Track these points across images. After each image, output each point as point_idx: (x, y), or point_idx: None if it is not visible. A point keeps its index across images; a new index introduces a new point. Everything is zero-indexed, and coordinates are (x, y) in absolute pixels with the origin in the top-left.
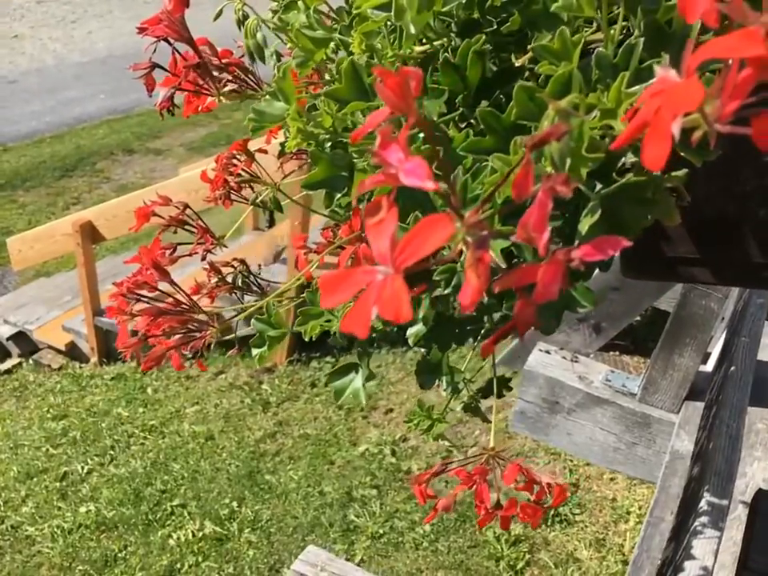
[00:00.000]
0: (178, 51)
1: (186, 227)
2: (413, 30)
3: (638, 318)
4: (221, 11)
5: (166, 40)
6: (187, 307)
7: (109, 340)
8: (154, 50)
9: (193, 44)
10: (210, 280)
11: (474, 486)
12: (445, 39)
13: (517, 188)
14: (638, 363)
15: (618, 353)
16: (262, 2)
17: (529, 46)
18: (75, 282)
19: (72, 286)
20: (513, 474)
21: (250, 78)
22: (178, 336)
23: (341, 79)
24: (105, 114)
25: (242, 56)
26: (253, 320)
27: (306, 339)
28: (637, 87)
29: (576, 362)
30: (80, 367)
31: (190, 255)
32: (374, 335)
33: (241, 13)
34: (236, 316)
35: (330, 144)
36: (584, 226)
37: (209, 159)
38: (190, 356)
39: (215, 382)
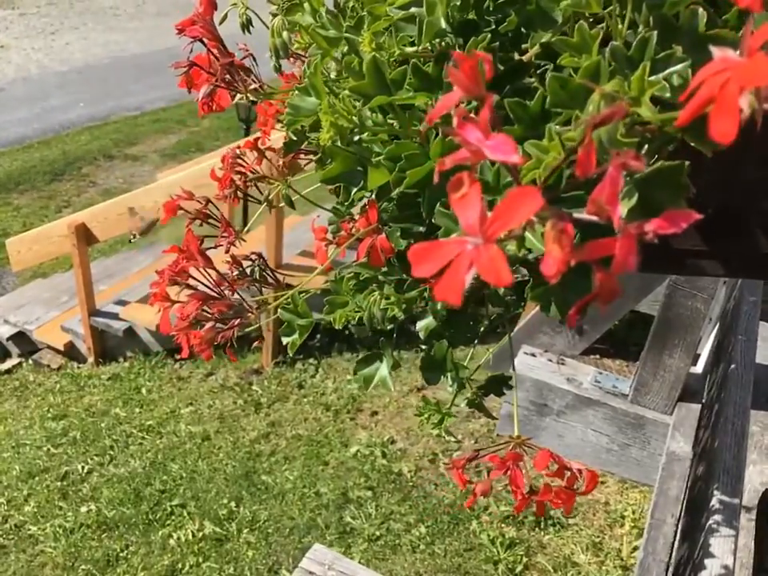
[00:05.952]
0: (211, 51)
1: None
2: (443, 25)
3: (616, 322)
4: (226, 15)
5: (200, 41)
6: (224, 295)
7: (104, 340)
8: (191, 50)
9: (223, 44)
10: (231, 272)
11: (508, 472)
12: (446, 39)
13: (581, 166)
14: (621, 366)
15: (598, 356)
16: (264, 6)
17: (541, 41)
18: (71, 283)
19: (69, 286)
20: (544, 460)
21: (250, 79)
22: (215, 323)
23: (364, 75)
24: (85, 121)
25: (244, 57)
26: (280, 310)
27: (337, 327)
28: (658, 76)
29: (563, 364)
30: (78, 367)
31: (215, 248)
32: (391, 326)
33: (245, 17)
34: (263, 305)
35: (357, 138)
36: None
37: (184, 165)
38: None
39: (206, 384)
